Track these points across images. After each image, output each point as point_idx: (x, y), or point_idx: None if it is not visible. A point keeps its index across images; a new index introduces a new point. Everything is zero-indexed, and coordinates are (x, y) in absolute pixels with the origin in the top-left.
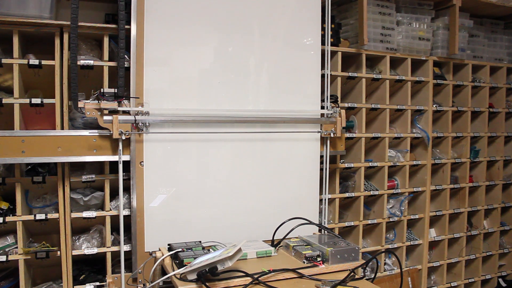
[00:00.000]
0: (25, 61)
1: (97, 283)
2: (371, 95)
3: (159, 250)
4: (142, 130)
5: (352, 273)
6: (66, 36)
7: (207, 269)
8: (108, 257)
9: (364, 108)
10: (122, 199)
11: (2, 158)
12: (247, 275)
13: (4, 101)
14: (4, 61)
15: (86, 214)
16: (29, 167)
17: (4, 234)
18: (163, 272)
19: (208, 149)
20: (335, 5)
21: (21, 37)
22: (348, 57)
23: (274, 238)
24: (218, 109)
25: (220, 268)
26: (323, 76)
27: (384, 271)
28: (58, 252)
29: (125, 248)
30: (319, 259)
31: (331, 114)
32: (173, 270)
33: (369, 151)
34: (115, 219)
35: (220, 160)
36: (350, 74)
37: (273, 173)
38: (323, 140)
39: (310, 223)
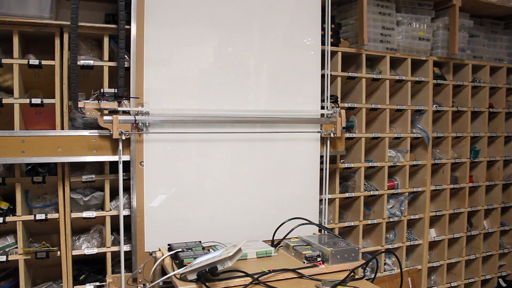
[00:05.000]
0: (25, 61)
1: (97, 283)
2: (371, 95)
3: (159, 250)
4: (142, 130)
5: (352, 273)
6: (66, 36)
7: (207, 269)
8: (108, 257)
9: (364, 108)
10: (122, 199)
11: (2, 158)
12: (247, 275)
13: (4, 101)
14: (4, 61)
15: (86, 214)
16: (29, 167)
17: (4, 234)
18: (163, 272)
19: (208, 149)
20: (335, 5)
21: (21, 37)
22: (348, 57)
23: (274, 238)
24: (218, 109)
25: (220, 268)
26: (323, 76)
27: (384, 271)
28: (58, 252)
29: (125, 248)
30: (319, 259)
31: (331, 114)
32: (173, 270)
33: (369, 151)
34: (115, 219)
35: (220, 160)
36: (350, 74)
37: (273, 173)
38: (323, 140)
39: (310, 223)
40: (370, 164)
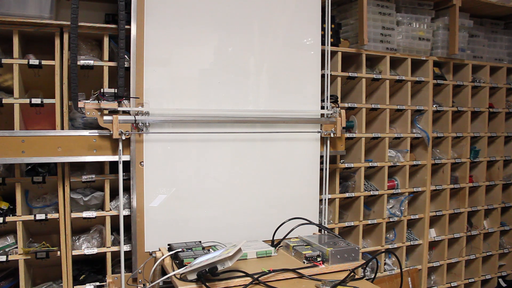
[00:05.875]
0: (25, 61)
1: (97, 283)
2: (371, 95)
3: (159, 250)
4: (142, 130)
5: (352, 273)
6: (66, 36)
7: (207, 269)
8: (108, 257)
9: (364, 108)
10: (122, 199)
11: (2, 158)
12: (247, 275)
13: (4, 101)
14: (4, 61)
15: (86, 214)
16: (29, 167)
17: (4, 234)
18: (163, 272)
19: (208, 149)
20: (335, 5)
21: (21, 37)
22: (348, 57)
23: (274, 238)
24: (218, 109)
25: (220, 268)
26: (323, 76)
27: (384, 271)
28: (58, 252)
29: (125, 248)
30: (319, 259)
31: (331, 114)
32: (173, 270)
33: (369, 151)
34: (115, 219)
35: (220, 160)
36: (350, 74)
37: (273, 173)
38: (323, 140)
39: (310, 223)
40: (370, 164)
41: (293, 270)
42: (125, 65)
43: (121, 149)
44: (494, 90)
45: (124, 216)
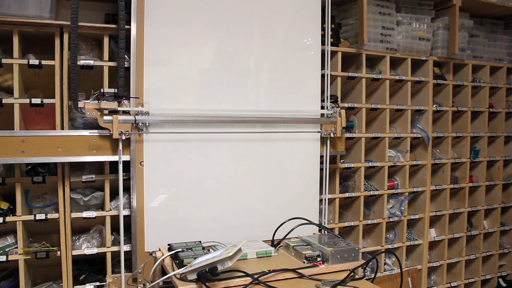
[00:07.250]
0: (25, 61)
1: (97, 283)
2: (371, 95)
3: (159, 250)
4: (142, 130)
5: (352, 273)
6: (66, 36)
7: (207, 269)
8: (108, 257)
9: (364, 108)
10: (122, 199)
11: (2, 158)
12: (247, 275)
13: (4, 101)
14: (4, 61)
15: (86, 214)
16: (29, 167)
17: (4, 234)
18: (163, 272)
19: (208, 149)
20: (335, 5)
21: (21, 37)
22: (348, 57)
23: (274, 238)
24: (218, 109)
25: (220, 268)
26: (323, 76)
27: (384, 271)
28: (58, 252)
29: (125, 248)
30: (319, 259)
31: (331, 114)
32: (173, 270)
33: (369, 151)
34: (115, 219)
35: (220, 160)
36: (350, 74)
37: (273, 173)
38: (323, 140)
39: (310, 223)
40: (370, 164)
41: (293, 270)
42: (125, 65)
43: (121, 149)
44: (494, 90)
45: (124, 216)
